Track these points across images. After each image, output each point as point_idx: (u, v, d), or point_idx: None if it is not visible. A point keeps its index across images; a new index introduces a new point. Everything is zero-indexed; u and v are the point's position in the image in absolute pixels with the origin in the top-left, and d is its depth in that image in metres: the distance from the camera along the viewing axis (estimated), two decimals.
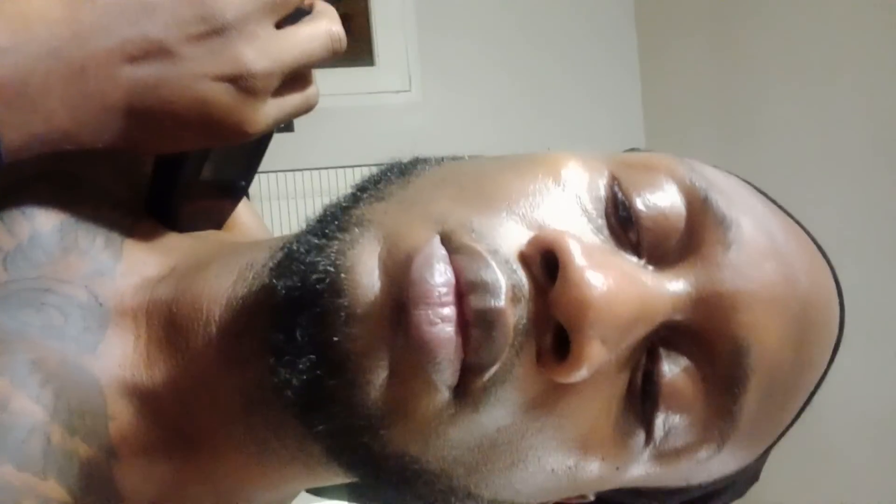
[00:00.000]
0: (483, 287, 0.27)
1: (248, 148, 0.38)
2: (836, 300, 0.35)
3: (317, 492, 0.41)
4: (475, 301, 0.27)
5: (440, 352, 0.27)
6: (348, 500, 0.41)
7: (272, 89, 0.34)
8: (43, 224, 0.36)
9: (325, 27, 0.36)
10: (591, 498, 0.36)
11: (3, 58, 0.29)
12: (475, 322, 0.27)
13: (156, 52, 0.32)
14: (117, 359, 0.34)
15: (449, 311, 0.27)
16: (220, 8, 0.32)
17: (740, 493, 0.38)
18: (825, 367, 0.35)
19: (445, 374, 0.28)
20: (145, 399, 0.34)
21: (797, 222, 0.35)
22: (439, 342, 0.27)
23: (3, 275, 0.34)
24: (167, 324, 0.35)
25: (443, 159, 0.35)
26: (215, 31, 0.32)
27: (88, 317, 0.35)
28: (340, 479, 0.35)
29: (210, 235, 0.41)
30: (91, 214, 0.37)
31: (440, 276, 0.27)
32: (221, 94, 0.33)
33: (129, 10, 0.31)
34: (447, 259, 0.28)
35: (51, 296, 0.34)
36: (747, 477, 0.37)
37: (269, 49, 0.33)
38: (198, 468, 0.34)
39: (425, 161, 0.35)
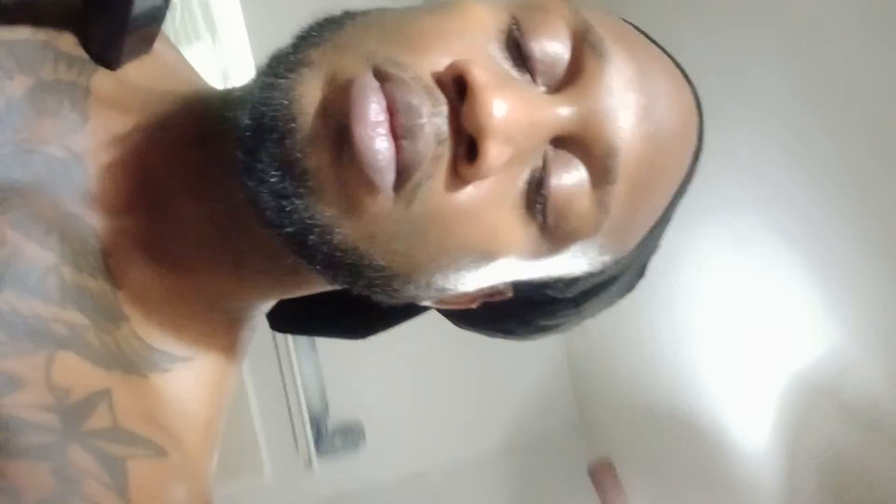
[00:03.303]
0: (408, 107, 0.34)
1: None
2: (695, 117, 0.43)
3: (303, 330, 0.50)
4: (403, 118, 0.34)
5: (379, 159, 0.34)
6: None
7: None
8: (14, 90, 0.40)
9: None
10: (509, 294, 0.44)
11: None
12: (404, 135, 0.34)
13: None
14: (101, 203, 0.40)
15: (383, 127, 0.34)
16: None
17: (630, 287, 0.48)
18: (685, 172, 0.43)
19: (385, 178, 0.34)
20: (131, 236, 0.40)
21: (671, 57, 0.43)
22: (378, 151, 0.34)
23: None
24: (139, 174, 0.40)
25: (368, 11, 0.41)
26: None
27: (69, 170, 0.40)
28: (309, 290, 0.44)
29: (157, 85, 0.45)
30: (53, 75, 0.41)
31: (374, 99, 0.34)
32: None
33: None
34: (378, 87, 0.34)
35: (34, 155, 0.39)
36: (632, 273, 0.46)
37: None
38: (185, 284, 0.41)
39: (353, 13, 0.40)
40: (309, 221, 0.35)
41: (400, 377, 2.02)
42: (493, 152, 0.35)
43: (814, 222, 1.25)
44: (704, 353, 1.64)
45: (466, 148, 0.35)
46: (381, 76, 0.35)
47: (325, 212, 0.35)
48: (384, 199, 0.35)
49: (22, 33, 0.42)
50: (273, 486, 1.90)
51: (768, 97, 1.29)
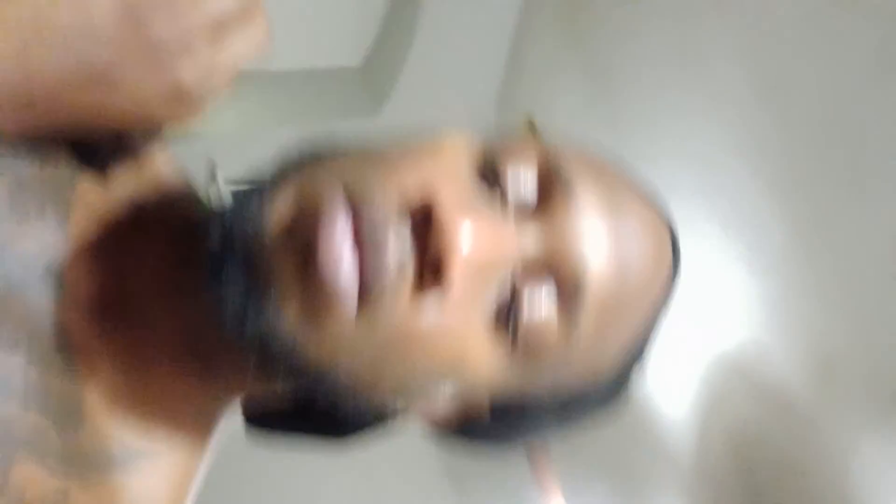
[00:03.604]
0: (374, 231, 0.35)
1: None
2: (667, 242, 0.44)
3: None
4: (368, 242, 0.35)
5: (342, 280, 0.35)
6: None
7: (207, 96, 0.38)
8: None
9: (258, 37, 0.39)
10: (486, 411, 0.44)
11: None
12: (368, 258, 0.35)
13: (99, 78, 0.35)
14: (74, 305, 0.40)
15: (348, 249, 0.35)
16: (157, 28, 0.35)
17: (612, 398, 0.47)
18: (662, 293, 0.44)
19: (348, 298, 0.35)
20: (100, 337, 0.40)
21: (648, 192, 0.44)
22: (341, 273, 0.34)
23: None
24: (114, 280, 0.41)
25: (349, 142, 0.42)
26: (152, 49, 0.35)
27: (45, 270, 0.39)
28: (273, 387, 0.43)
29: (140, 192, 0.45)
30: (38, 177, 0.41)
31: (341, 221, 0.35)
32: (162, 108, 0.37)
33: (72, 40, 0.34)
34: (347, 209, 0.35)
35: (10, 253, 0.39)
36: (614, 384, 0.45)
37: (206, 67, 0.37)
38: (153, 383, 0.41)
39: (335, 142, 0.42)
40: (271, 334, 0.36)
41: None
42: (458, 275, 0.35)
43: (753, 214, 1.31)
44: None
45: (432, 270, 0.36)
46: (351, 198, 0.36)
47: (288, 326, 0.36)
48: (347, 318, 0.35)
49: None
50: None
51: (719, 85, 1.33)
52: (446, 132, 0.41)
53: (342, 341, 0.36)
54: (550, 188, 0.39)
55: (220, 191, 0.41)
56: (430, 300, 0.36)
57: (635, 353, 0.45)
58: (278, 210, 0.36)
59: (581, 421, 0.47)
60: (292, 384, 0.39)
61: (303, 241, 0.35)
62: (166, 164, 0.49)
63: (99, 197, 0.43)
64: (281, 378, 0.38)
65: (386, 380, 0.38)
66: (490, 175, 0.39)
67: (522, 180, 0.39)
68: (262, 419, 0.45)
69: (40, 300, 0.39)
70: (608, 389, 0.45)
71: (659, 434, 1.69)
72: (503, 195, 0.39)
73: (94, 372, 0.39)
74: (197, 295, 0.38)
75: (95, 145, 0.42)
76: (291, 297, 0.35)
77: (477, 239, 0.36)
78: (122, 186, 0.44)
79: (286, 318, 0.35)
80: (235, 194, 0.39)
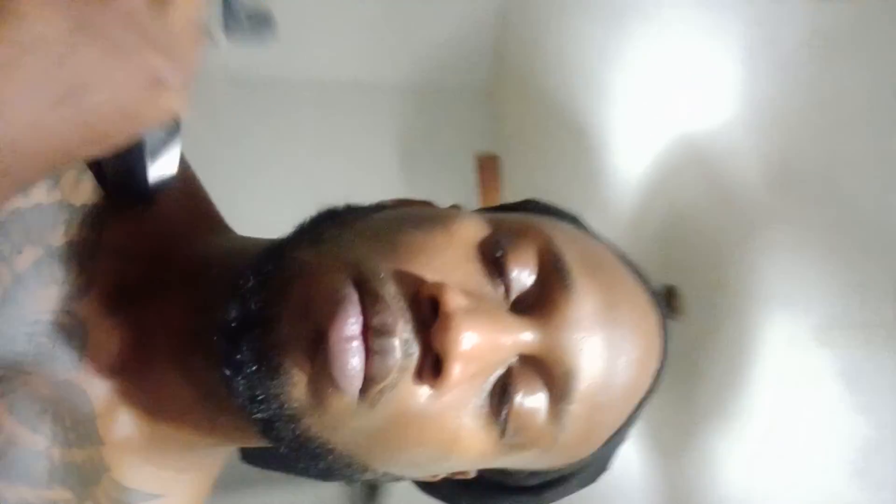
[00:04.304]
0: (382, 324, 0.38)
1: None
2: (658, 339, 0.46)
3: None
4: (376, 334, 0.37)
5: (349, 369, 0.37)
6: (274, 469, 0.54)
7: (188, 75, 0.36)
8: (22, 265, 0.41)
9: None
10: (473, 474, 0.49)
11: None
12: (376, 350, 0.37)
13: (72, 93, 0.32)
14: (95, 366, 0.43)
15: (357, 340, 0.37)
16: (107, 27, 0.32)
17: (592, 480, 0.52)
18: (647, 388, 0.46)
19: (353, 385, 0.38)
20: (119, 394, 0.43)
21: (643, 280, 0.47)
22: (349, 362, 0.37)
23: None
24: (134, 338, 0.43)
25: (367, 212, 0.45)
26: (111, 48, 0.33)
27: (69, 336, 0.42)
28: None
29: (172, 230, 0.46)
30: (65, 239, 0.42)
31: (352, 313, 0.37)
32: (146, 103, 0.34)
33: (31, 72, 0.31)
34: (358, 301, 0.38)
35: (36, 326, 0.41)
36: (595, 468, 0.50)
37: (165, 38, 0.34)
38: (164, 432, 0.44)
39: (354, 209, 0.45)
40: (278, 411, 0.38)
41: None
42: (456, 373, 0.38)
43: (761, 13, 1.21)
44: (622, 80, 1.65)
45: (433, 360, 0.38)
46: (363, 289, 0.38)
47: (294, 403, 0.38)
48: (350, 400, 0.38)
49: (35, 197, 0.42)
50: None
51: None
52: (457, 216, 0.43)
53: (343, 420, 0.39)
54: (551, 282, 0.42)
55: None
56: (430, 387, 0.39)
57: (617, 442, 0.48)
58: (294, 293, 0.39)
59: (558, 497, 0.51)
60: (292, 455, 0.42)
61: (315, 328, 0.37)
62: (196, 188, 0.50)
63: (127, 236, 0.44)
64: (282, 444, 0.41)
65: (379, 457, 0.42)
66: (494, 265, 0.42)
67: (525, 275, 0.42)
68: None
69: (64, 366, 0.42)
70: (587, 475, 0.50)
71: (606, 183, 1.73)
72: (508, 283, 0.42)
73: (110, 428, 0.43)
74: (210, 358, 0.40)
75: (111, 174, 0.42)
76: (299, 379, 0.38)
77: (478, 339, 0.38)
78: (153, 218, 0.45)
79: (293, 393, 0.38)
80: (255, 265, 0.41)
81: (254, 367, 0.38)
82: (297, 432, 0.40)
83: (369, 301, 0.38)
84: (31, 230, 0.42)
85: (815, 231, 1.17)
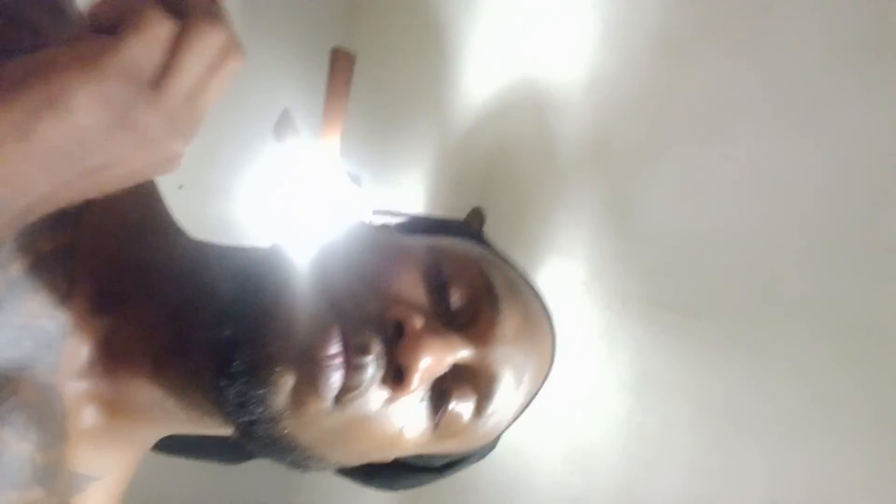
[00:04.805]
0: (360, 346, 0.46)
1: None
2: (550, 346, 0.58)
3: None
4: (355, 354, 0.46)
5: (331, 382, 0.45)
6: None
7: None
8: (15, 271, 0.44)
9: (232, 71, 0.37)
10: (389, 458, 0.56)
11: None
12: (354, 366, 0.46)
13: (95, 171, 0.36)
14: (69, 369, 0.46)
15: (340, 358, 0.45)
16: (143, 119, 0.35)
17: (482, 457, 0.62)
18: (540, 385, 0.58)
19: (331, 394, 0.45)
20: (88, 395, 0.47)
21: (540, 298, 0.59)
22: (332, 377, 0.45)
23: None
24: (111, 344, 0.47)
25: (344, 243, 0.52)
26: (142, 138, 0.36)
27: (52, 340, 0.45)
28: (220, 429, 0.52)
29: (138, 231, 0.51)
30: (51, 245, 0.45)
31: (336, 337, 0.45)
32: (154, 170, 0.39)
33: (65, 154, 0.35)
34: (339, 329, 0.46)
35: (25, 331, 0.44)
36: (487, 448, 0.61)
37: (189, 123, 0.37)
38: (123, 425, 0.49)
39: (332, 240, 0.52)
40: (261, 415, 0.45)
41: None
42: (416, 382, 0.47)
43: None
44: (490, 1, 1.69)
45: (394, 372, 0.47)
46: (341, 313, 0.46)
47: (276, 408, 0.45)
48: (326, 405, 0.46)
49: None
50: None
51: None
52: (409, 246, 0.53)
53: (316, 419, 0.46)
54: (483, 306, 0.52)
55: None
56: (392, 392, 0.47)
57: (508, 427, 0.58)
58: (282, 316, 0.45)
59: (455, 472, 0.62)
60: (261, 452, 0.49)
61: (302, 346, 0.45)
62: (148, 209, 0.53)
63: (103, 237, 0.48)
64: (255, 442, 0.47)
65: (338, 450, 0.50)
66: (438, 290, 0.51)
67: (459, 296, 0.52)
68: (175, 444, 0.56)
69: (46, 370, 0.45)
70: (480, 454, 0.61)
71: (450, 96, 1.79)
72: (448, 309, 0.51)
73: (76, 424, 0.47)
74: (189, 364, 0.46)
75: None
76: (284, 388, 0.45)
77: (434, 356, 0.47)
78: (110, 214, 0.48)
79: (276, 399, 0.45)
80: (240, 282, 0.47)
81: (245, 378, 0.44)
82: (274, 433, 0.47)
83: (349, 324, 0.46)
84: (22, 237, 0.44)
85: (607, 206, 1.31)
